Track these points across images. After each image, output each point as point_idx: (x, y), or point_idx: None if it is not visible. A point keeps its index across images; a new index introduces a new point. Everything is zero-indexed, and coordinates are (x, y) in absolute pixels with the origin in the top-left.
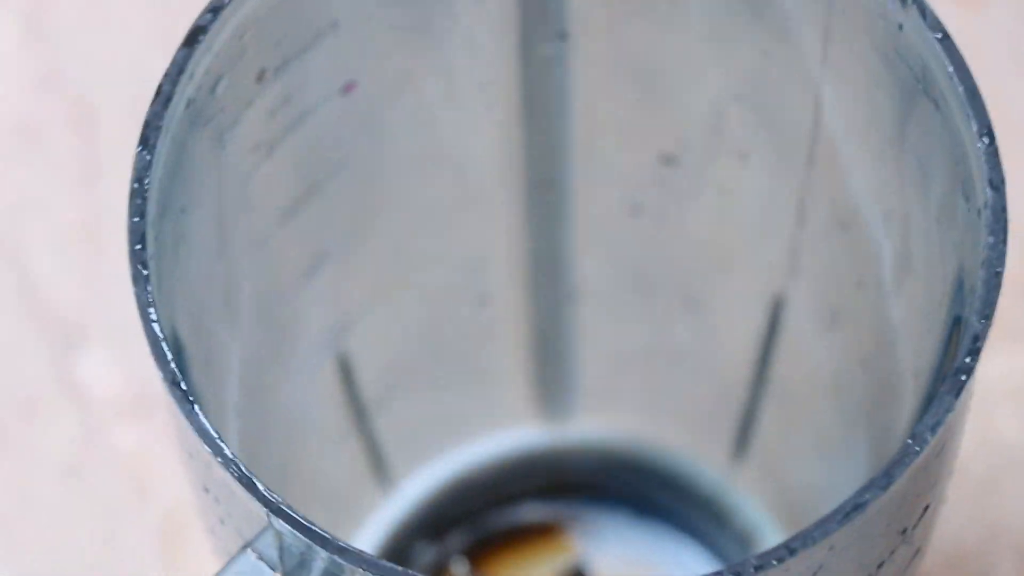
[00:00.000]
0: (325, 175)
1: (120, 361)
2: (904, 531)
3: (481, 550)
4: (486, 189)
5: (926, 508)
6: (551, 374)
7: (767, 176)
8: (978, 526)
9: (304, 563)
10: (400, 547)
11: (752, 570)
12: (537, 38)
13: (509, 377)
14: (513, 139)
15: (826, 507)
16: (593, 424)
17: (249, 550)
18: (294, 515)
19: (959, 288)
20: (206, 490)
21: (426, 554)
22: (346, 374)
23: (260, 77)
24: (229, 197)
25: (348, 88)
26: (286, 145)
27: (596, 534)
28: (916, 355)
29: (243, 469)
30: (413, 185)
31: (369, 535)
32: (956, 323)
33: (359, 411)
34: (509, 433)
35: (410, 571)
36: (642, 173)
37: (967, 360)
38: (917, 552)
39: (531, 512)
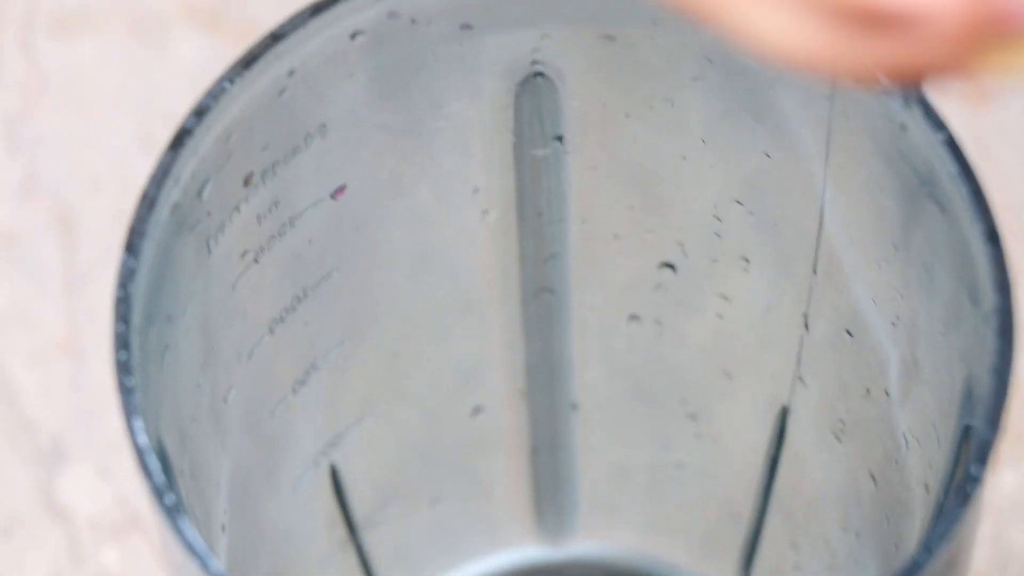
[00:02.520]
0: (314, 281)
1: (104, 477)
2: None
3: None
4: (480, 295)
5: None
6: (550, 488)
7: (769, 283)
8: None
9: None
10: None
11: None
12: (532, 141)
13: (506, 491)
14: (508, 244)
15: None
16: (594, 542)
17: None
18: None
19: (968, 396)
20: None
21: None
22: (337, 488)
23: (247, 181)
24: (216, 304)
25: (338, 193)
26: (274, 251)
27: None
28: (926, 466)
29: None
30: (405, 291)
31: None
32: (966, 432)
33: (350, 526)
34: (506, 552)
35: None
36: (641, 280)
37: (976, 470)
38: None
39: None
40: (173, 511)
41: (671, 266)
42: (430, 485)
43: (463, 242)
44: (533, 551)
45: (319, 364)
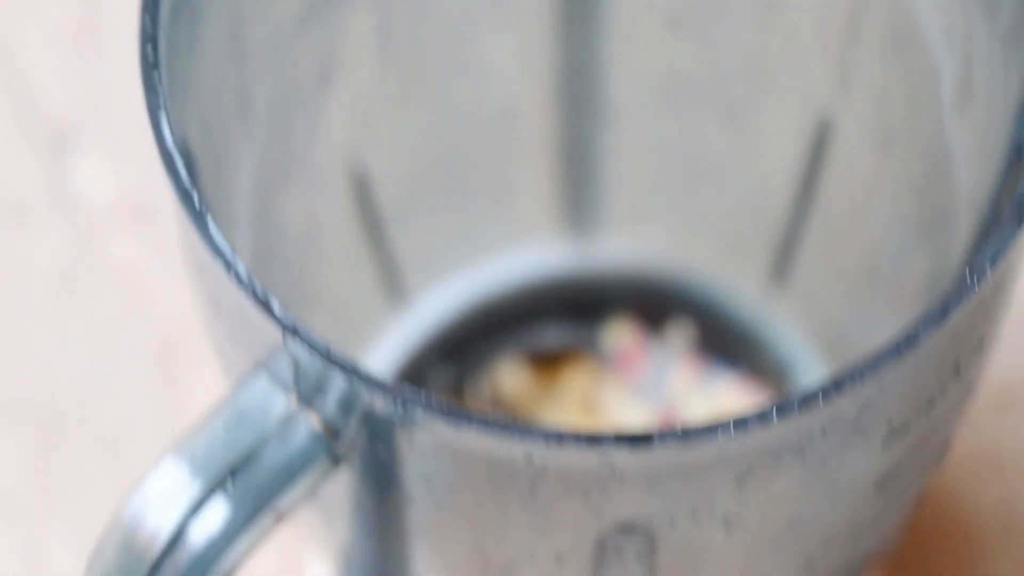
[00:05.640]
0: None
1: (117, 167)
2: (957, 368)
3: (499, 371)
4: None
5: (980, 343)
6: (578, 189)
7: None
8: None
9: (320, 387)
10: (415, 367)
11: (796, 407)
12: None
13: (533, 192)
14: None
15: (871, 341)
16: (621, 243)
17: (262, 372)
18: (311, 338)
19: (1023, 115)
20: (216, 309)
21: (441, 374)
22: (362, 187)
23: None
24: (248, 8)
25: None
26: None
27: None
28: (974, 183)
29: (258, 288)
30: None
31: (383, 354)
32: (1018, 151)
33: (375, 226)
34: (531, 251)
35: (432, 395)
36: None
37: None
38: (969, 389)
39: (552, 334)
40: (199, 212)
41: None
42: (456, 186)
43: None
44: (559, 252)
45: (348, 60)
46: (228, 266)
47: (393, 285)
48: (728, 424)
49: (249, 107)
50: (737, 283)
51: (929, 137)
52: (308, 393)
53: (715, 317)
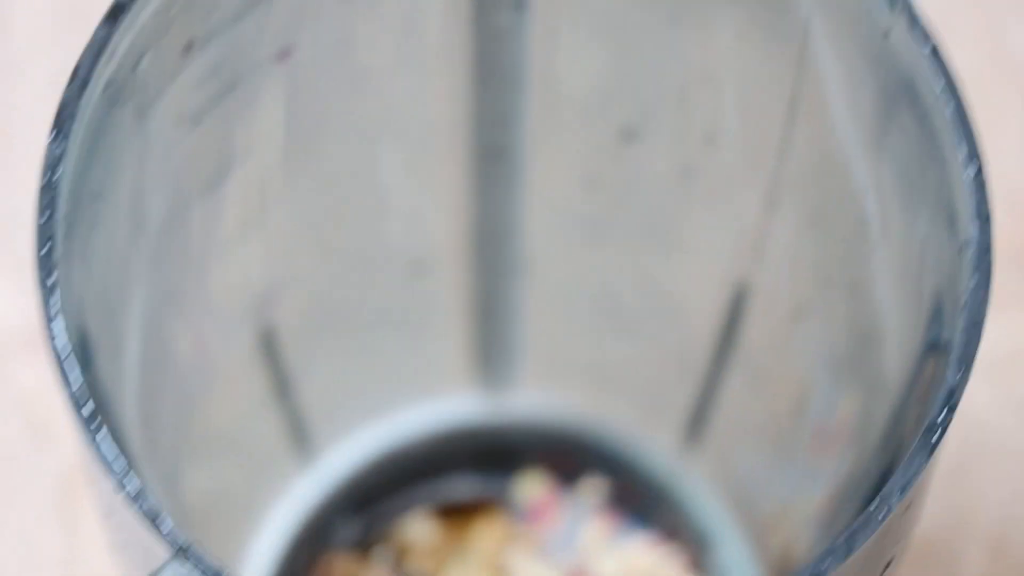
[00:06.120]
0: (255, 145)
1: (21, 290)
2: None
3: (407, 525)
4: (430, 155)
5: (890, 562)
6: (491, 341)
7: (733, 163)
8: (945, 514)
9: None
10: (321, 520)
11: None
12: (492, 8)
13: (446, 344)
14: (463, 105)
15: (787, 501)
16: (535, 396)
17: None
18: (203, 561)
19: (938, 312)
20: (107, 513)
21: (348, 528)
22: (268, 339)
23: (188, 48)
24: (148, 175)
25: (283, 55)
26: (214, 116)
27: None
28: (887, 362)
29: (150, 505)
30: (351, 153)
31: (289, 507)
32: (932, 347)
33: (281, 377)
34: (443, 403)
35: None
36: (601, 147)
37: (941, 417)
38: None
39: (463, 486)
40: (91, 423)
41: (633, 135)
42: (367, 337)
43: (415, 104)
44: (471, 404)
45: (255, 222)
46: (119, 482)
47: (300, 437)
48: None
49: (152, 280)
50: (652, 440)
51: (842, 314)
52: None
53: (629, 474)
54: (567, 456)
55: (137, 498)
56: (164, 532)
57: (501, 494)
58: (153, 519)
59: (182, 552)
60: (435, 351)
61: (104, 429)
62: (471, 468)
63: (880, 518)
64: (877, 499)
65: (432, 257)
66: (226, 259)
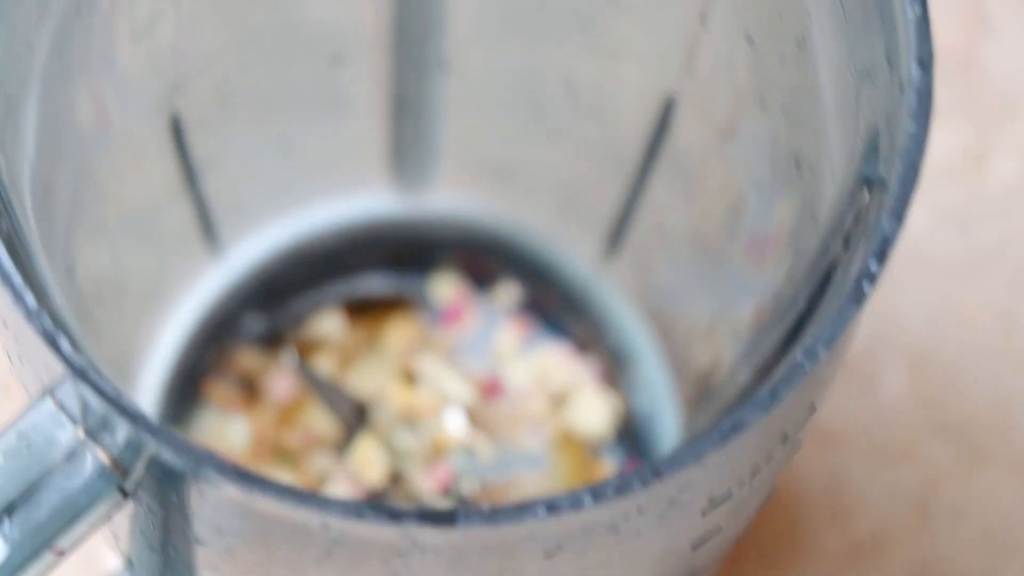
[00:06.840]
0: None
1: None
2: (785, 437)
3: (318, 320)
4: None
5: (811, 408)
6: (411, 141)
7: None
8: (869, 327)
9: (108, 425)
10: (229, 314)
11: (613, 492)
12: None
13: (361, 139)
14: None
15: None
16: (454, 197)
17: (48, 399)
18: (99, 382)
19: (873, 147)
20: (3, 323)
21: (255, 322)
22: (176, 131)
23: None
24: None
25: None
26: None
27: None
28: (821, 186)
29: (46, 323)
30: None
31: (199, 300)
32: (866, 180)
33: (189, 170)
34: (357, 201)
35: (219, 457)
36: None
37: (873, 267)
38: (796, 447)
39: (376, 284)
40: None
41: None
42: (279, 130)
43: None
44: (387, 201)
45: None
46: (16, 296)
47: (209, 228)
48: (538, 507)
49: (57, 68)
50: (572, 246)
51: (771, 137)
52: (95, 427)
53: (546, 280)
54: (483, 258)
55: (35, 316)
56: (63, 352)
57: (414, 293)
58: (51, 339)
59: (80, 373)
60: (350, 146)
61: (2, 246)
62: (384, 266)
63: (808, 370)
64: (802, 350)
65: (350, 47)
66: (136, 38)
